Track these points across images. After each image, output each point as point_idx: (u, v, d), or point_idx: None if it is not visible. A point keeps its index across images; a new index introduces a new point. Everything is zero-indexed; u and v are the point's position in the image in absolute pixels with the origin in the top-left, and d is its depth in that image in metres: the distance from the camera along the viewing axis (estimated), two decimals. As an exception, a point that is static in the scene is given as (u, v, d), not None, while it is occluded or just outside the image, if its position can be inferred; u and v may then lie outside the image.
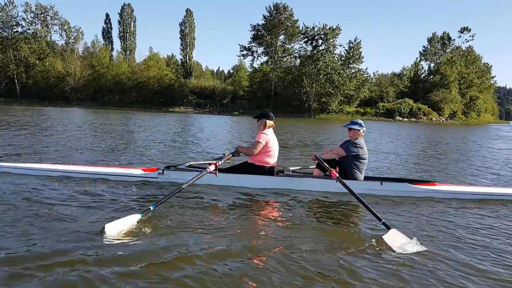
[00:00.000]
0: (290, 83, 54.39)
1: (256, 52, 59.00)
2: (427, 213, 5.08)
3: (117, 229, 3.70)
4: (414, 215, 4.96)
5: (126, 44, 71.65)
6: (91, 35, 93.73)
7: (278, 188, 5.89)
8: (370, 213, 4.22)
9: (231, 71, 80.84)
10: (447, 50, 67.85)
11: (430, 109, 54.01)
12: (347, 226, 4.36)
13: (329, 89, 51.63)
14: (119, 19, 70.92)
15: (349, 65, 53.66)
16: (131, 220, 3.90)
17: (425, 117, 53.17)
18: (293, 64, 57.24)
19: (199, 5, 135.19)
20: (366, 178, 6.23)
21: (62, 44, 64.82)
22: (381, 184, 5.91)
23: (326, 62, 51.67)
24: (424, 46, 69.10)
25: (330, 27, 52.24)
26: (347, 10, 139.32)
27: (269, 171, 6.10)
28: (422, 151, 13.98)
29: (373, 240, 3.79)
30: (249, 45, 58.65)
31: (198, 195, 5.33)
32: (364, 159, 6.07)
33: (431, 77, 61.68)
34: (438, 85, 57.41)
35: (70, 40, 64.76)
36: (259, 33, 56.63)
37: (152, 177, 6.08)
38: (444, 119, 54.61)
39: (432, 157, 12.27)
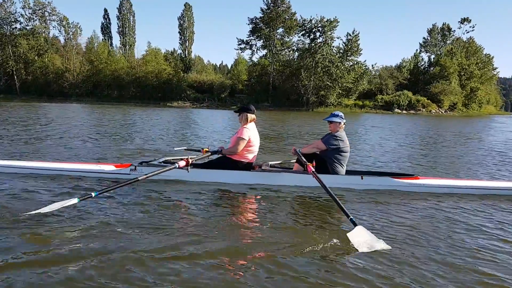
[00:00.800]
0: (288, 76, 54.21)
1: (255, 45, 58.84)
2: (406, 208, 4.92)
3: (49, 209, 3.72)
4: (392, 210, 4.80)
5: (126, 39, 71.64)
6: (89, 31, 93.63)
7: (254, 183, 5.72)
8: (340, 209, 4.07)
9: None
10: (448, 42, 67.35)
11: (429, 101, 53.70)
12: (318, 223, 4.22)
13: (327, 82, 51.42)
14: (118, 14, 70.88)
15: (347, 57, 53.37)
16: (65, 203, 3.82)
17: (424, 109, 52.92)
18: (291, 57, 56.98)
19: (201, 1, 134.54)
20: (348, 172, 6.08)
21: (60, 39, 64.93)
22: (362, 178, 5.75)
23: (324, 54, 51.43)
24: (424, 38, 68.65)
25: (327, 20, 51.99)
26: (346, 2, 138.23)
27: (246, 166, 5.92)
28: (410, 144, 13.70)
29: (339, 237, 3.64)
30: (247, 38, 58.48)
31: (165, 191, 5.18)
32: (345, 152, 5.92)
33: (432, 69, 61.28)
34: (437, 76, 57.08)
35: (69, 36, 64.86)
36: (257, 26, 56.40)
37: (124, 173, 5.85)
38: (443, 111, 54.31)
39: (421, 149, 12.03)
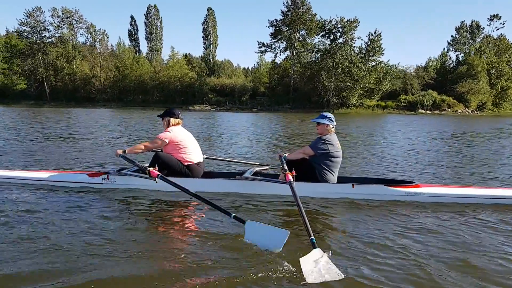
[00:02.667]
0: (309, 78, 53.82)
1: (279, 47, 58.70)
2: (397, 222, 4.31)
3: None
4: (381, 225, 4.20)
5: (153, 45, 73.16)
6: (116, 37, 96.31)
7: (228, 192, 5.35)
8: (304, 225, 3.54)
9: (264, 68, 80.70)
10: (477, 40, 65.24)
11: (455, 101, 52.05)
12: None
13: (348, 83, 50.74)
14: (145, 20, 72.56)
15: (369, 57, 52.52)
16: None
17: (449, 109, 51.34)
18: (313, 59, 56.55)
19: (224, 5, 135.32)
20: (340, 180, 5.57)
21: (88, 46, 66.72)
22: (353, 187, 5.20)
23: (344, 55, 50.82)
24: (452, 36, 66.69)
25: (347, 20, 51.36)
26: (369, 1, 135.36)
27: (195, 170, 5.54)
28: (420, 147, 12.43)
29: (293, 262, 3.14)
30: (270, 41, 58.40)
31: (130, 203, 4.92)
32: (336, 158, 5.37)
33: (460, 67, 59.44)
34: (465, 75, 55.28)
35: (96, 42, 66.69)
36: (277, 28, 56.31)
37: (95, 182, 5.57)
38: (470, 111, 52.52)
39: (429, 154, 10.74)
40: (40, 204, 4.73)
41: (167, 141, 5.43)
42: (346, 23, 51.28)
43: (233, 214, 3.62)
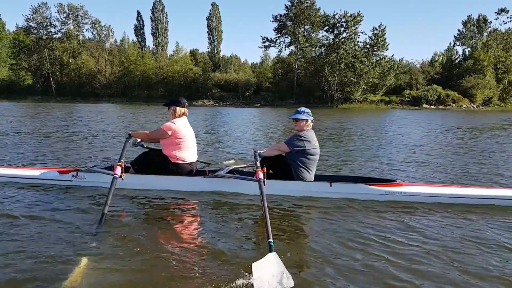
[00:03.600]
0: (313, 73, 53.66)
1: (284, 42, 58.45)
2: (373, 222, 4.09)
3: None
4: (356, 226, 3.97)
5: (159, 40, 73.38)
6: (121, 33, 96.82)
7: (198, 191, 5.10)
8: (265, 226, 3.30)
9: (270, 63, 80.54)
10: (484, 34, 64.47)
11: (460, 95, 51.58)
12: (239, 243, 3.56)
13: (352, 78, 50.51)
14: (151, 15, 72.77)
15: (374, 52, 52.20)
16: None
17: (454, 104, 50.90)
18: (317, 53, 56.31)
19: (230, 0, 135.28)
20: (317, 178, 5.34)
21: (93, 41, 67.07)
22: (331, 185, 4.97)
23: (347, 50, 50.57)
24: (459, 30, 65.97)
25: (351, 14, 51.05)
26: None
27: (187, 168, 5.33)
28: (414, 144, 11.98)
29: (246, 267, 2.95)
30: (275, 36, 58.18)
31: (95, 203, 4.67)
32: (312, 155, 5.18)
33: (466, 62, 58.81)
34: (470, 70, 54.71)
35: (101, 38, 67.02)
36: (281, 23, 56.11)
37: (65, 179, 5.38)
38: (475, 106, 52.03)
39: (424, 151, 10.29)
40: (3, 203, 4.56)
41: (170, 133, 5.19)
42: (349, 18, 50.98)
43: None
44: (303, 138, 5.13)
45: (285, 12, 55.78)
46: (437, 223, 4.15)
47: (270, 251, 2.99)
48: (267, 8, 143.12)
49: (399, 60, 55.37)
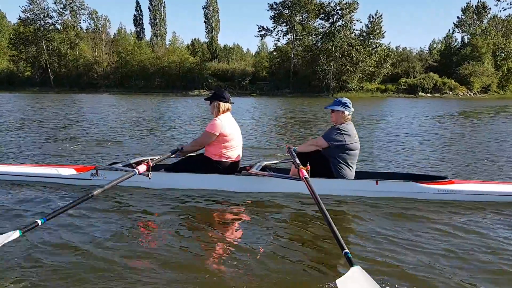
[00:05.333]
0: (309, 62, 53.45)
1: (282, 31, 58.06)
2: (433, 224, 3.78)
3: None
4: (419, 231, 3.62)
5: (157, 30, 73.26)
6: (125, 23, 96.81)
7: (234, 191, 4.74)
8: (333, 236, 2.83)
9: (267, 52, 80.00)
10: (484, 20, 63.83)
11: (457, 83, 51.23)
12: (305, 255, 3.15)
13: (348, 66, 50.29)
14: (149, 5, 72.60)
15: (370, 40, 51.87)
16: (3, 239, 2.76)
17: (451, 92, 50.58)
18: (314, 42, 56.03)
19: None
20: (358, 175, 5.00)
21: (90, 32, 67.05)
22: (377, 183, 4.58)
23: (342, 38, 50.29)
24: (458, 17, 65.36)
25: (346, 2, 50.66)
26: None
27: (230, 168, 4.94)
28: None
29: (327, 283, 2.67)
30: (273, 26, 57.80)
31: (122, 203, 4.41)
32: (353, 150, 4.76)
33: (464, 49, 58.30)
34: (468, 57, 54.25)
35: (98, 28, 66.96)
36: (276, 11, 55.71)
37: (83, 178, 5.10)
38: (472, 94, 51.67)
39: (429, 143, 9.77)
40: (21, 203, 4.33)
41: (217, 134, 4.77)
42: (344, 6, 50.62)
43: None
44: (342, 132, 4.71)
45: (281, 0, 55.34)
46: (502, 224, 3.86)
47: (352, 265, 2.49)
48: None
49: (396, 48, 54.88)
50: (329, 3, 51.90)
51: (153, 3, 72.35)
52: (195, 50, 65.25)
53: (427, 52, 62.73)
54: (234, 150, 4.95)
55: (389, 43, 55.33)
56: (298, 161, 4.31)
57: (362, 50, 50.16)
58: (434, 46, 63.71)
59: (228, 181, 4.82)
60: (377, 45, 52.05)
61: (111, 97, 37.97)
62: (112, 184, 3.70)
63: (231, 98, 5.01)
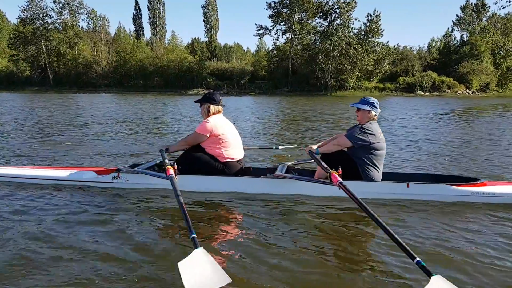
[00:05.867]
0: (307, 60, 53.47)
1: (281, 30, 58.02)
2: (469, 229, 3.61)
3: None
4: (463, 236, 3.42)
5: (156, 29, 73.32)
6: (124, 22, 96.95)
7: (263, 193, 4.58)
8: (396, 244, 2.64)
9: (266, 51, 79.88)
10: (483, 19, 63.77)
11: (455, 82, 51.20)
12: (359, 266, 2.92)
13: (346, 65, 50.31)
14: (148, 4, 72.70)
15: (368, 39, 51.85)
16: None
17: (449, 91, 50.55)
18: (312, 41, 56.04)
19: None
20: (386, 176, 4.78)
21: (89, 31, 67.17)
22: (408, 186, 4.36)
23: (340, 37, 50.27)
24: (457, 15, 65.28)
25: (344, 1, 50.65)
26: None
27: (234, 167, 4.83)
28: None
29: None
30: (272, 25, 57.77)
31: (150, 205, 4.28)
32: (379, 150, 4.58)
33: (463, 48, 58.25)
34: (467, 56, 54.22)
35: (97, 28, 67.07)
36: (275, 10, 55.69)
37: (104, 181, 4.90)
38: (471, 92, 51.63)
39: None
40: (40, 208, 4.15)
41: (207, 135, 4.71)
42: (343, 4, 50.60)
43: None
44: (366, 131, 4.53)
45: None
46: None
47: (430, 275, 2.29)
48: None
49: (394, 47, 54.83)
50: (327, 2, 51.99)
51: (152, 2, 72.46)
52: (194, 49, 65.26)
53: (426, 50, 62.70)
54: (234, 148, 4.86)
55: (388, 41, 55.33)
56: (325, 165, 4.11)
57: (360, 49, 50.18)
58: (433, 45, 63.67)
59: (256, 184, 4.66)
60: (376, 43, 51.97)
61: (109, 97, 37.98)
62: (181, 197, 3.41)
63: (222, 101, 4.92)
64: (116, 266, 2.86)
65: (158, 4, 73.49)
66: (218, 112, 4.86)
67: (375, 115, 4.66)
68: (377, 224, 2.85)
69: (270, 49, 60.01)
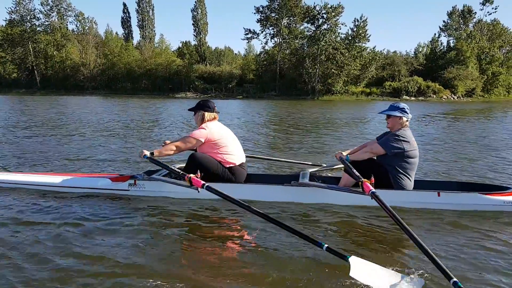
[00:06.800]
0: (295, 65, 53.70)
1: (269, 34, 58.02)
2: (503, 239, 3.50)
3: None
4: (491, 246, 3.35)
5: (145, 33, 73.16)
6: (112, 25, 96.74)
7: (289, 201, 4.45)
8: (431, 261, 2.61)
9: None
10: (470, 25, 64.52)
11: (441, 87, 51.68)
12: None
13: (333, 70, 50.61)
14: (137, 7, 72.51)
15: (355, 44, 52.20)
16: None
17: (434, 96, 51.02)
18: (300, 45, 56.27)
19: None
20: (417, 185, 4.61)
21: (77, 34, 66.86)
22: (439, 195, 4.24)
23: (327, 42, 50.59)
24: (444, 21, 65.99)
25: (331, 6, 51.00)
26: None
27: (239, 172, 4.75)
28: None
29: None
30: (260, 29, 57.84)
31: (172, 215, 4.18)
32: (412, 158, 4.43)
33: (449, 53, 58.85)
34: (453, 61, 54.79)
35: (85, 30, 66.84)
36: (263, 15, 55.85)
37: (120, 189, 4.76)
38: (456, 97, 52.15)
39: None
40: (53, 216, 4.04)
41: (202, 140, 4.60)
42: (330, 9, 50.92)
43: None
44: (401, 138, 4.38)
45: (268, 4, 55.50)
46: None
47: None
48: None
49: (380, 52, 55.23)
50: (315, 7, 52.21)
51: (141, 6, 72.29)
52: (182, 52, 65.23)
53: (413, 55, 63.25)
54: (234, 154, 4.77)
55: (374, 47, 55.48)
56: (357, 173, 3.98)
57: (347, 54, 50.47)
58: (420, 50, 64.31)
59: (281, 192, 4.53)
60: (362, 48, 52.31)
61: (97, 99, 37.80)
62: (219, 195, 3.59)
63: (216, 108, 4.86)
64: (136, 278, 2.79)
65: (148, 8, 73.35)
66: (214, 118, 4.82)
67: (407, 121, 4.54)
68: (411, 239, 2.78)
69: (258, 53, 60.12)
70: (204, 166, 4.55)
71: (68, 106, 26.30)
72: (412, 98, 49.78)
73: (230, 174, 4.68)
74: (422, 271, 2.82)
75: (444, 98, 50.85)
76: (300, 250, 3.26)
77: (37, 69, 62.14)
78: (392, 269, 2.73)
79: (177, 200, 4.52)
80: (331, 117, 19.01)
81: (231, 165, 4.70)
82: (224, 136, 4.72)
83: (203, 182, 3.89)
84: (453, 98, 51.80)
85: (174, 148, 4.64)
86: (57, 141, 9.80)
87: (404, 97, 50.03)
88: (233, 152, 4.75)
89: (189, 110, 4.93)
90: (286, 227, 3.07)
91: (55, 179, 4.98)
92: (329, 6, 50.97)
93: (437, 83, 52.14)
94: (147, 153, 4.51)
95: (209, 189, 3.76)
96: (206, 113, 4.74)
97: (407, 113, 4.50)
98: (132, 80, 58.92)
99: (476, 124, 16.67)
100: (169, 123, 15.46)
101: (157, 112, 22.03)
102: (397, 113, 4.46)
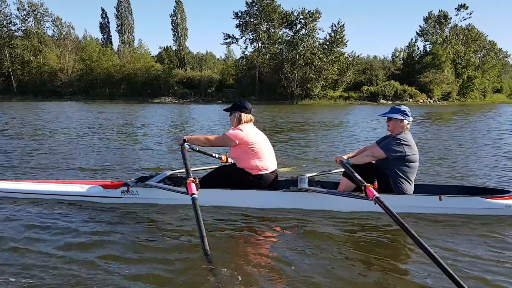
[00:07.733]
0: (274, 69, 54.02)
1: (249, 39, 58.22)
2: (503, 244, 3.48)
3: None
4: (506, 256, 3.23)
5: (124, 38, 72.68)
6: (90, 30, 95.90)
7: (288, 208, 4.35)
8: (440, 269, 2.58)
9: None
10: (445, 30, 65.74)
11: (417, 91, 52.57)
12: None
13: (311, 74, 51.06)
14: (116, 12, 72.02)
15: (333, 49, 52.76)
16: None
17: (411, 99, 51.83)
18: (279, 50, 56.66)
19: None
20: (417, 189, 4.58)
21: (54, 39, 66.15)
22: (440, 199, 4.19)
23: (305, 47, 51.05)
24: (420, 26, 67.11)
25: (308, 11, 51.53)
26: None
27: (268, 179, 4.58)
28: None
29: None
30: (240, 34, 58.03)
31: (168, 223, 4.03)
32: (413, 162, 4.38)
33: (425, 58, 59.89)
34: (429, 66, 55.80)
35: (62, 35, 66.18)
36: (241, 20, 56.10)
37: (112, 196, 4.60)
38: (432, 101, 53.07)
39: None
40: (42, 225, 3.89)
41: (237, 142, 4.44)
42: (307, 15, 51.42)
43: None
44: (402, 142, 4.32)
45: (246, 9, 55.75)
46: None
47: None
48: (235, 5, 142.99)
49: (357, 56, 55.89)
50: (292, 12, 52.62)
51: (119, 11, 71.84)
52: (162, 57, 65.05)
53: (390, 60, 64.15)
54: (268, 158, 4.62)
55: (352, 51, 56.20)
56: (360, 178, 3.88)
57: (325, 59, 50.99)
58: (397, 55, 65.22)
59: (280, 198, 4.42)
60: (340, 53, 52.90)
61: (75, 105, 37.44)
62: (201, 220, 3.28)
63: (252, 109, 4.69)
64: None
65: (126, 13, 72.91)
66: (250, 120, 4.63)
67: (408, 124, 4.45)
68: (420, 246, 2.74)
69: (238, 58, 60.30)
70: (228, 176, 4.55)
71: (46, 112, 25.98)
72: (389, 102, 50.44)
73: (257, 181, 4.52)
74: (430, 277, 2.79)
75: (420, 102, 51.71)
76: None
77: (14, 75, 61.24)
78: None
79: (171, 207, 4.40)
80: (313, 121, 19.22)
81: (263, 172, 4.53)
82: (259, 141, 4.56)
83: (195, 190, 3.71)
84: (429, 101, 52.71)
85: (204, 140, 4.55)
86: (36, 147, 9.68)
87: (381, 101, 50.75)
88: (266, 158, 4.59)
89: (225, 110, 4.78)
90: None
91: (45, 186, 4.83)
92: (306, 11, 51.51)
93: (414, 87, 53.03)
94: (181, 141, 4.44)
95: (194, 200, 3.54)
96: (243, 114, 4.54)
97: (408, 116, 4.44)
98: (110, 85, 58.55)
99: (452, 127, 17.06)
100: (150, 129, 15.37)
101: (139, 117, 21.91)
102: (398, 116, 4.41)
